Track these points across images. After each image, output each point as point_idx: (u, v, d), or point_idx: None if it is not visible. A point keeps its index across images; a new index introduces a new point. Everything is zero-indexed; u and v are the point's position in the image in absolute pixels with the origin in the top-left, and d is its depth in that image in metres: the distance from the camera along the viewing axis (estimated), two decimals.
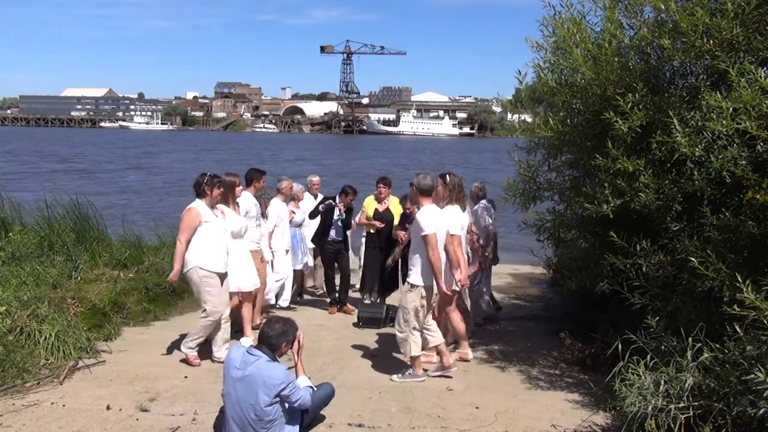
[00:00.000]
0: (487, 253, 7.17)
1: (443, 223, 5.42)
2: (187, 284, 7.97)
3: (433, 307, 5.58)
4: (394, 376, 5.48)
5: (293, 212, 8.10)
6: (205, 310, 5.71)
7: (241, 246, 6.31)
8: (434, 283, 5.31)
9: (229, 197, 6.22)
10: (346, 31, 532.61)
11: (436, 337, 5.54)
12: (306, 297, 8.90)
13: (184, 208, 5.83)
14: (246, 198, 6.76)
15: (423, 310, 5.36)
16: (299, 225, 8.23)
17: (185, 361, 5.76)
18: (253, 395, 3.91)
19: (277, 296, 7.89)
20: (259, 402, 3.90)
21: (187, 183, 30.25)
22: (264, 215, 7.27)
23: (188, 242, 5.62)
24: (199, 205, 5.72)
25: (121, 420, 4.53)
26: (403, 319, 5.36)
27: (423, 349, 5.54)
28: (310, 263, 8.64)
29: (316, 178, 9.04)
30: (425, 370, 5.56)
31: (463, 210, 5.93)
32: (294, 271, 8.29)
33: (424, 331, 5.47)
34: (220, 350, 5.84)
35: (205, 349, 6.22)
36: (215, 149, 67.21)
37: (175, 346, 6.23)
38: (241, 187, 6.40)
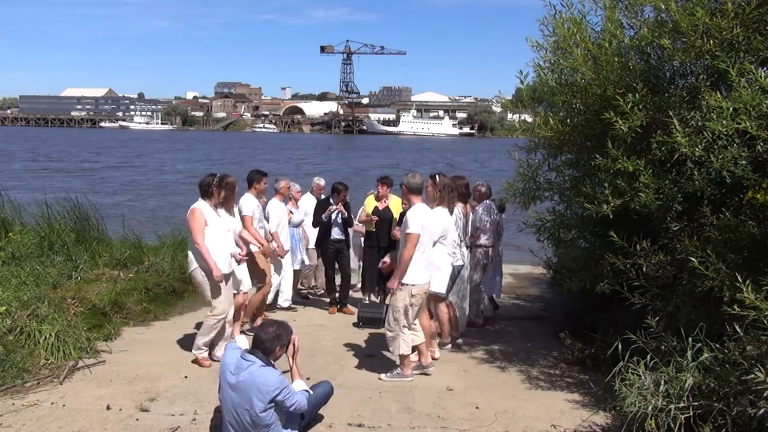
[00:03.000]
0: (489, 253, 7.16)
1: (433, 222, 5.44)
2: (186, 284, 8.04)
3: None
4: (383, 375, 5.50)
5: (291, 212, 8.09)
6: (213, 309, 5.73)
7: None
8: (426, 282, 5.37)
9: (229, 198, 6.21)
10: (346, 31, 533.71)
11: (419, 337, 5.53)
12: (307, 297, 8.90)
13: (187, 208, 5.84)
14: (248, 200, 6.74)
15: (413, 309, 5.36)
16: (297, 225, 8.22)
17: (196, 362, 5.77)
18: (247, 401, 3.90)
19: (277, 296, 7.89)
20: (254, 408, 3.88)
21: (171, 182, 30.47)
22: (265, 216, 7.26)
23: (204, 239, 5.58)
24: (202, 206, 5.71)
25: (121, 420, 4.53)
26: (393, 317, 5.37)
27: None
28: (308, 262, 8.63)
29: (322, 182, 8.91)
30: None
31: (451, 213, 5.92)
32: (294, 271, 8.29)
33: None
34: (220, 349, 5.84)
35: None
36: (215, 149, 67.27)
37: (175, 345, 6.23)
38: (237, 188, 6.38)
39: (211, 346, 5.90)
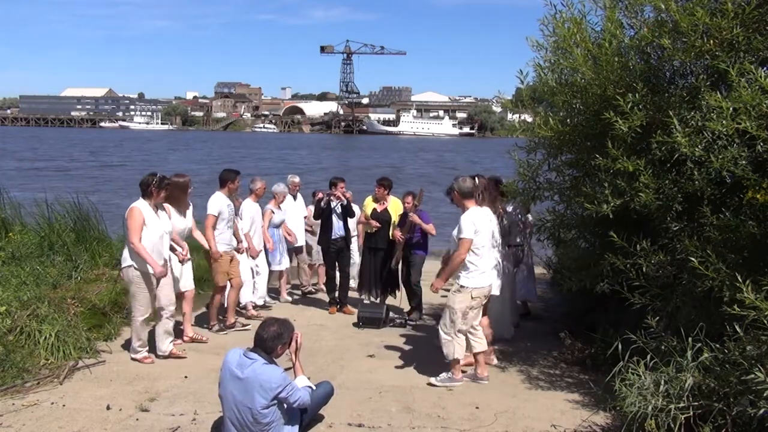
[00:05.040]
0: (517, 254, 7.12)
1: (488, 224, 5.37)
2: None
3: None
4: (433, 379, 5.40)
5: (273, 212, 8.08)
6: (136, 309, 5.70)
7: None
8: (487, 286, 5.33)
9: (180, 198, 6.19)
10: (346, 31, 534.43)
11: (481, 344, 5.44)
12: (294, 295, 8.91)
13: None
14: (216, 199, 6.73)
15: (472, 313, 5.30)
16: (278, 226, 8.22)
17: (136, 360, 5.76)
18: (250, 398, 3.90)
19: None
20: (256, 405, 3.89)
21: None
22: (238, 214, 7.25)
23: (140, 239, 5.57)
24: (141, 205, 5.68)
25: (121, 420, 4.53)
26: (450, 320, 5.28)
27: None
28: (287, 265, 8.64)
29: (297, 179, 8.96)
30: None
31: (494, 212, 5.87)
32: (275, 271, 8.30)
33: (470, 335, 5.39)
34: (164, 343, 5.89)
35: (206, 348, 6.23)
36: (207, 149, 67.34)
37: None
38: (191, 189, 6.39)
39: (158, 339, 5.91)
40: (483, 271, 5.29)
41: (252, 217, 7.54)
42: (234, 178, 6.90)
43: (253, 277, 7.74)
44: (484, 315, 5.68)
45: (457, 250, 5.21)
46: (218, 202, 6.71)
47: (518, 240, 7.04)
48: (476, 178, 5.83)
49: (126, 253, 5.69)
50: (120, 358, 5.84)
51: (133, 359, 5.79)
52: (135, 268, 5.62)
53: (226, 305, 7.11)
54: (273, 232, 8.14)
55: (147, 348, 5.85)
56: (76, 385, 5.17)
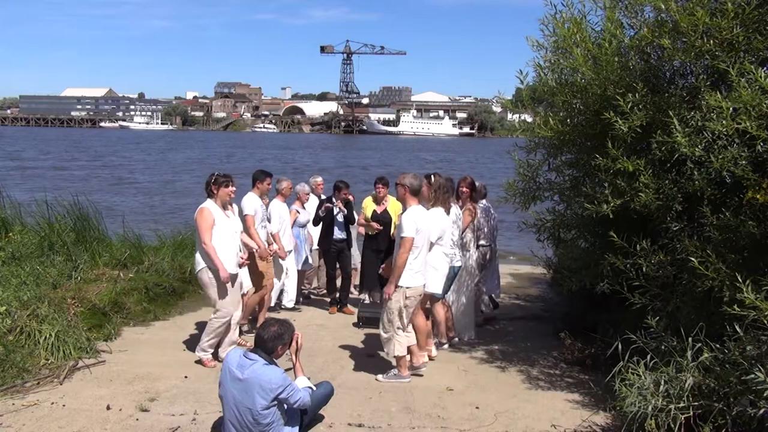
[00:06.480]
0: (487, 255, 7.16)
1: (431, 224, 5.43)
2: (187, 284, 8.04)
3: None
4: (380, 376, 5.47)
5: (298, 212, 8.08)
6: (216, 311, 5.68)
7: None
8: (420, 285, 5.36)
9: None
10: (346, 31, 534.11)
11: (411, 338, 5.52)
12: (309, 297, 8.90)
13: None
14: (252, 199, 6.71)
15: (407, 311, 5.36)
16: (303, 226, 8.22)
17: (200, 362, 5.75)
18: (250, 399, 3.90)
19: (280, 297, 7.88)
20: (256, 406, 3.89)
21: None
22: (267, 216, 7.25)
23: (211, 239, 5.52)
24: (210, 205, 5.65)
25: (121, 420, 4.53)
26: (387, 319, 5.36)
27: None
28: (311, 263, 8.63)
29: (319, 179, 8.95)
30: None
31: (447, 213, 5.91)
32: (298, 271, 8.29)
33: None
34: (225, 350, 5.81)
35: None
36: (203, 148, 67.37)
37: (175, 345, 6.23)
38: (234, 188, 6.37)
39: (217, 346, 5.87)
40: (417, 271, 5.33)
41: (280, 217, 7.51)
42: (264, 178, 6.85)
43: (284, 279, 7.72)
44: (418, 314, 5.72)
45: (399, 250, 5.22)
46: (252, 201, 6.68)
47: (484, 240, 7.06)
48: (432, 177, 5.84)
49: (198, 256, 5.62)
50: (120, 358, 5.83)
51: (197, 362, 5.75)
52: (209, 268, 5.57)
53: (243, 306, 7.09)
54: (298, 232, 8.13)
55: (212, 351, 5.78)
56: (76, 385, 5.17)
